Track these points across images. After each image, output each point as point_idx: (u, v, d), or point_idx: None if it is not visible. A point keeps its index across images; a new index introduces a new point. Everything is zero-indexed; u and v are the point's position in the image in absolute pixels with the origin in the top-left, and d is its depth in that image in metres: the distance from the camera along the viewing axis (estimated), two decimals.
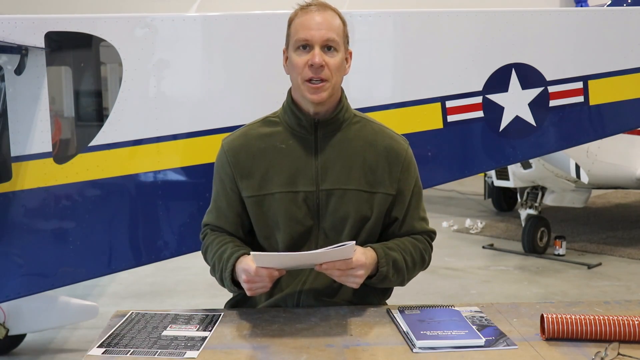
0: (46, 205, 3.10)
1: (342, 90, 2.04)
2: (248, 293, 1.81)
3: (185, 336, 1.69)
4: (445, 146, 3.43)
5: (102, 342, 1.66)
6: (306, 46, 1.91)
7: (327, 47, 1.91)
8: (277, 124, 2.03)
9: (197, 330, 1.73)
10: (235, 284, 1.90)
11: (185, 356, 1.57)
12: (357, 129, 2.02)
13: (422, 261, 2.03)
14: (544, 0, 4.51)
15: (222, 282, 1.94)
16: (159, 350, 1.60)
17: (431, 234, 2.09)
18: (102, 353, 1.60)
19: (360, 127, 2.03)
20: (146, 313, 1.87)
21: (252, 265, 1.76)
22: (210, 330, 1.74)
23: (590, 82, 3.53)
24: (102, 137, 3.11)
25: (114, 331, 1.73)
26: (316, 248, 1.97)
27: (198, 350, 1.60)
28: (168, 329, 1.75)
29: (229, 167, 2.01)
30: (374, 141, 2.00)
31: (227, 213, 2.03)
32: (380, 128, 2.05)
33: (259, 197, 1.98)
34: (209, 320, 1.81)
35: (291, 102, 2.00)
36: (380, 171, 1.98)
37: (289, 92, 2.03)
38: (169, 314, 1.86)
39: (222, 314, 1.87)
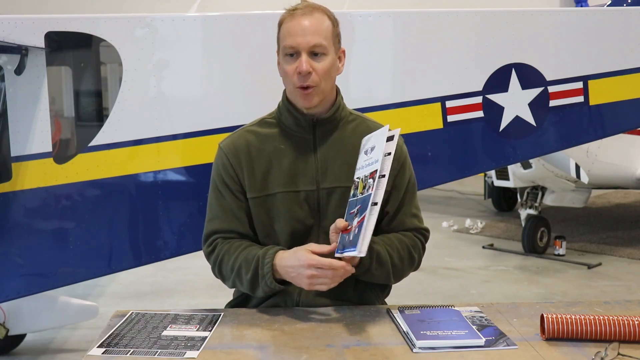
0: (46, 205, 3.10)
1: (338, 90, 2.04)
2: (308, 287, 1.77)
3: (185, 336, 1.69)
4: (445, 146, 3.42)
5: (102, 342, 1.66)
6: (293, 53, 1.90)
7: (314, 52, 1.89)
8: (274, 125, 2.03)
9: (197, 330, 1.73)
10: (277, 281, 1.85)
11: (186, 356, 1.57)
12: (353, 127, 2.03)
13: (410, 258, 1.99)
14: (544, 0, 4.51)
15: (252, 284, 1.89)
16: (159, 350, 1.60)
17: (423, 232, 2.05)
18: (102, 353, 1.60)
19: (356, 124, 2.04)
20: (146, 313, 1.86)
21: (311, 255, 1.75)
22: (210, 330, 1.74)
23: (590, 82, 3.53)
24: (102, 137, 3.11)
25: (114, 331, 1.73)
26: None
27: (198, 350, 1.60)
28: (168, 329, 1.74)
29: (232, 168, 2.01)
30: None
31: (238, 214, 2.00)
32: (375, 125, 2.06)
33: (261, 198, 1.98)
34: (209, 320, 1.81)
35: (287, 102, 2.01)
36: None
37: (284, 92, 2.03)
38: (169, 314, 1.86)
39: (222, 314, 1.86)
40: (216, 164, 2.06)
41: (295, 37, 1.88)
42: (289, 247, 1.96)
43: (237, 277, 1.92)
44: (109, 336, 1.70)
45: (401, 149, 2.04)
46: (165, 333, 1.71)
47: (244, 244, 1.96)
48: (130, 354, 1.59)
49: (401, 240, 1.98)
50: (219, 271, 1.99)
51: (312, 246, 1.81)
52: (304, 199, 1.96)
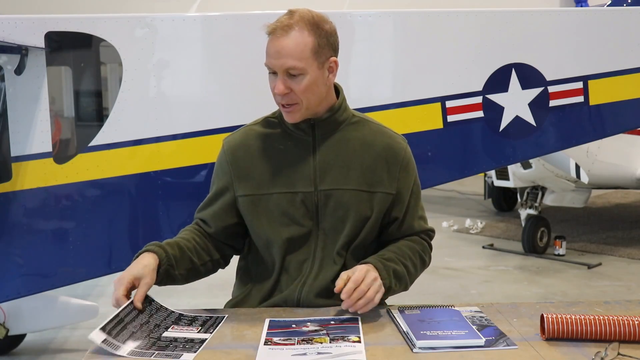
0: (46, 205, 3.11)
1: (340, 91, 2.02)
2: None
3: (185, 338, 1.69)
4: (445, 146, 3.43)
5: (105, 325, 1.63)
6: (274, 72, 1.89)
7: (291, 73, 1.87)
8: (276, 124, 2.03)
9: (197, 332, 1.73)
10: None
11: (181, 359, 1.57)
12: (355, 129, 2.01)
13: (422, 263, 2.03)
14: (544, 0, 4.51)
15: None
16: (156, 352, 1.60)
17: (429, 233, 2.08)
18: (102, 341, 1.57)
19: (358, 127, 2.02)
20: (152, 302, 1.83)
21: (120, 284, 1.78)
22: (211, 332, 1.73)
23: (590, 82, 3.53)
24: (102, 137, 3.11)
25: (119, 315, 1.70)
26: (316, 249, 1.96)
27: (195, 352, 1.60)
28: (170, 330, 1.74)
29: (228, 166, 2.01)
30: (373, 141, 2.00)
31: (217, 211, 2.01)
32: (378, 128, 2.05)
33: (255, 197, 1.97)
34: (212, 322, 1.81)
35: None
36: (379, 171, 1.97)
37: None
38: (173, 312, 1.85)
39: (226, 316, 1.86)
40: (217, 159, 2.07)
41: (270, 58, 1.87)
42: (286, 250, 1.96)
43: None
44: (113, 320, 1.67)
45: (405, 151, 2.03)
46: (165, 334, 1.71)
47: (182, 234, 2.00)
48: (128, 354, 1.59)
49: (411, 248, 2.00)
50: None
51: (143, 281, 1.80)
52: (301, 201, 1.95)
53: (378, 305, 1.96)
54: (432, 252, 2.09)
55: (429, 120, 3.37)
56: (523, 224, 6.88)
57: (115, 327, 1.66)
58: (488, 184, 8.48)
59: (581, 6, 4.40)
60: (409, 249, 1.99)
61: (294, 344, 1.59)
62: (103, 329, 1.62)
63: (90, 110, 3.63)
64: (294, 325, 1.73)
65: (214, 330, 1.75)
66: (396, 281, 1.90)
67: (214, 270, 2.06)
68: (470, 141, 3.49)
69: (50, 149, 3.05)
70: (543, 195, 6.92)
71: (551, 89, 3.48)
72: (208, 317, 1.83)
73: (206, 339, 1.68)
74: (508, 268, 6.33)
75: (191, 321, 1.80)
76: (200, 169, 3.19)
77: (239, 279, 2.11)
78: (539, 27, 3.52)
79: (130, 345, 1.62)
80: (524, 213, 6.94)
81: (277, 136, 2.01)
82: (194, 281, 2.02)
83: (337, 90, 2.03)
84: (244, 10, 3.28)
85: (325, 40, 1.89)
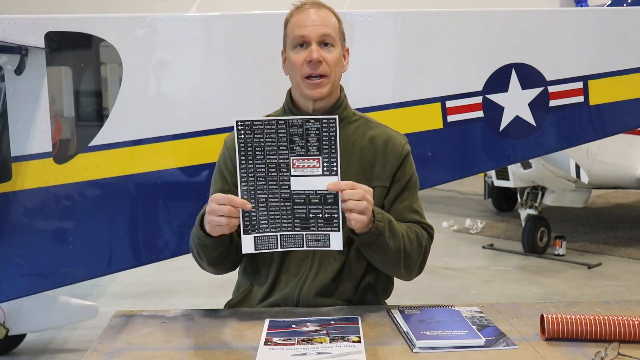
0: (46, 205, 3.10)
1: (342, 89, 2.04)
2: (207, 228, 1.78)
3: (315, 191, 1.71)
4: (445, 146, 3.43)
5: (245, 229, 1.70)
6: (303, 44, 1.92)
7: (324, 42, 1.92)
8: None
9: (323, 172, 1.72)
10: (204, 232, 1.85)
11: (331, 244, 1.68)
12: (355, 127, 2.02)
13: (418, 243, 1.94)
14: (544, 0, 4.51)
15: (192, 238, 1.91)
16: (304, 233, 1.71)
17: (425, 226, 2.00)
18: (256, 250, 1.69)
19: (358, 125, 2.03)
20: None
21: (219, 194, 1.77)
22: (335, 169, 1.72)
23: (590, 82, 3.54)
24: (102, 137, 3.11)
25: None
26: None
27: (338, 230, 1.69)
28: (294, 169, 1.73)
29: (231, 162, 2.02)
30: (373, 138, 2.01)
31: None
32: (378, 126, 2.06)
33: None
34: (322, 131, 1.74)
35: (290, 103, 2.01)
36: (377, 166, 1.98)
37: (288, 92, 2.03)
38: (269, 125, 1.75)
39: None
40: (219, 157, 2.08)
41: (305, 27, 1.91)
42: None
43: (191, 239, 1.93)
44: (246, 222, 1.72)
45: (403, 148, 2.03)
46: (295, 185, 1.73)
47: None
48: (281, 248, 1.71)
49: (408, 226, 1.94)
50: (191, 247, 1.98)
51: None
52: None
53: (378, 305, 1.97)
54: (431, 250, 2.02)
55: (429, 120, 3.37)
56: (523, 224, 6.88)
57: (252, 222, 1.73)
58: (488, 184, 8.48)
59: (581, 6, 4.40)
60: (406, 226, 1.93)
61: (294, 344, 1.60)
62: (245, 231, 1.71)
63: (90, 110, 3.62)
64: (294, 325, 1.73)
65: (335, 157, 1.72)
66: (390, 234, 1.84)
67: (237, 260, 2.02)
68: (470, 141, 3.49)
69: (50, 149, 3.05)
70: (543, 195, 6.92)
71: (551, 89, 3.48)
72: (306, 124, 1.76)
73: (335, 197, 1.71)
74: (508, 268, 6.33)
75: (301, 138, 1.74)
76: (201, 169, 3.19)
77: (239, 278, 2.11)
78: (539, 27, 3.52)
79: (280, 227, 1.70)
80: (524, 213, 6.94)
81: None
82: (227, 262, 1.97)
83: (339, 89, 2.04)
84: (244, 10, 3.28)
85: (343, 29, 2.00)
